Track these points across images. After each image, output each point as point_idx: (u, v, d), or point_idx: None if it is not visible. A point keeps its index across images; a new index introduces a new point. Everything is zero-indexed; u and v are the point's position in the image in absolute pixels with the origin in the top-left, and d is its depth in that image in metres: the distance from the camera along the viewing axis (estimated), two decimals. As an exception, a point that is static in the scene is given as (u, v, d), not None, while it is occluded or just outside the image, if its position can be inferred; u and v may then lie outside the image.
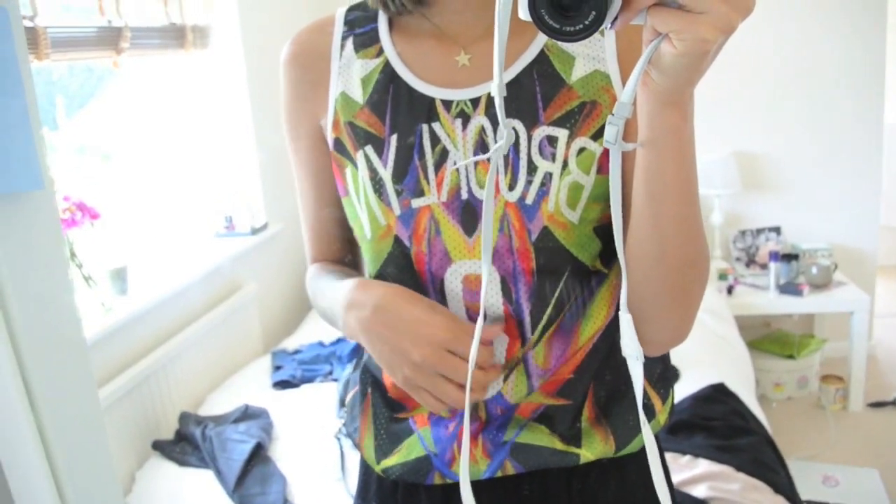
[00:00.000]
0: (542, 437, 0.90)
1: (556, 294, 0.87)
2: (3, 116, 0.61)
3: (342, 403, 2.36)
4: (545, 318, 0.88)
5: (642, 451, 0.94)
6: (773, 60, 3.58)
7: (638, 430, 0.92)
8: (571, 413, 0.91)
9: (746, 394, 2.51)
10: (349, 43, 0.93)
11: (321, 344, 2.94)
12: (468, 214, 0.86)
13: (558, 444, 0.90)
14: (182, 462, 2.20)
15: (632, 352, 0.76)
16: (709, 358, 2.69)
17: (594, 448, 0.91)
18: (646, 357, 0.93)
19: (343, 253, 1.05)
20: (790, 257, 3.48)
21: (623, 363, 0.92)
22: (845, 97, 3.62)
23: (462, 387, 0.81)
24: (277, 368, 2.78)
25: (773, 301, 3.40)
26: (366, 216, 0.89)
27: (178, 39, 2.80)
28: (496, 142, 0.84)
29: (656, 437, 0.95)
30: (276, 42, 3.35)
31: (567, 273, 0.87)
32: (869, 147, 3.66)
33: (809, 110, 3.65)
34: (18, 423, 0.67)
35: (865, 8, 3.52)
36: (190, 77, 2.97)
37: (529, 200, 0.84)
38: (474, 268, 0.87)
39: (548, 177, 0.83)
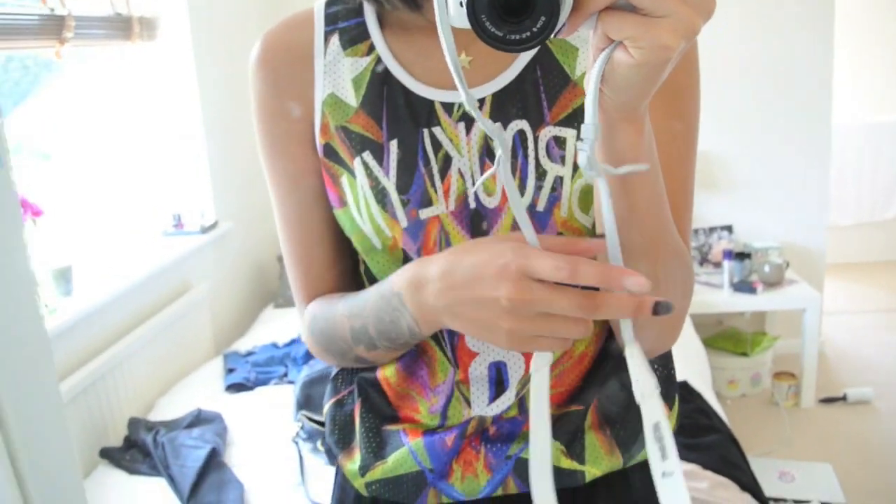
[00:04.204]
0: None
1: None
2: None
3: (299, 406, 2.29)
4: None
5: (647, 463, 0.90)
6: (727, 61, 3.60)
7: (644, 441, 0.88)
8: (577, 420, 0.86)
9: (705, 391, 2.52)
10: (335, 39, 0.84)
11: (275, 345, 2.86)
12: (477, 224, 0.80)
13: (564, 462, 0.85)
14: (132, 470, 2.10)
15: (646, 389, 0.66)
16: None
17: (600, 463, 0.86)
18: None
19: (342, 288, 0.92)
20: (743, 256, 3.51)
21: (625, 370, 0.88)
22: (795, 99, 3.66)
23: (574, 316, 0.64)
24: (230, 371, 2.69)
25: (727, 299, 3.42)
26: (370, 228, 0.81)
27: (124, 31, 2.69)
28: (501, 146, 0.79)
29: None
30: (226, 35, 3.28)
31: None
32: (818, 148, 3.71)
33: (760, 111, 3.68)
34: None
35: (814, 9, 3.56)
36: (136, 70, 2.86)
37: (541, 207, 0.78)
38: None
39: (558, 181, 0.77)
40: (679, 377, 2.46)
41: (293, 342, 2.83)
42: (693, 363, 2.78)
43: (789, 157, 3.73)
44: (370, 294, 0.80)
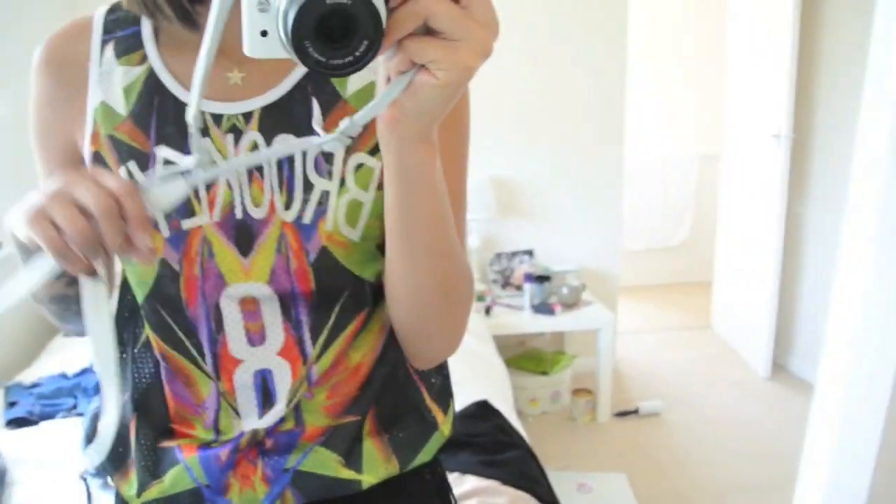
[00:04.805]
0: (325, 464, 0.86)
1: (337, 310, 0.84)
2: None
3: (88, 440, 2.15)
4: (326, 332, 0.84)
5: (424, 467, 0.93)
6: (527, 95, 3.79)
7: (420, 446, 0.91)
8: (354, 430, 0.87)
9: (507, 410, 2.59)
10: (109, 48, 0.83)
11: (64, 376, 2.67)
12: (243, 235, 0.80)
13: (342, 472, 0.87)
14: None
15: None
16: (471, 376, 2.76)
17: (377, 471, 0.88)
18: (424, 371, 0.93)
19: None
20: (543, 279, 3.67)
21: (404, 380, 0.91)
22: (592, 133, 3.90)
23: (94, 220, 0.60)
24: (12, 405, 2.48)
25: (527, 320, 3.56)
26: None
27: None
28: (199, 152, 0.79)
29: (439, 449, 0.95)
30: (20, 42, 3.04)
31: (348, 291, 0.84)
32: (612, 179, 3.97)
33: (561, 143, 3.89)
34: None
35: (608, 50, 3.81)
36: None
37: (307, 220, 0.80)
38: (252, 290, 0.81)
39: (325, 195, 0.80)
40: (480, 396, 2.53)
41: (84, 371, 2.66)
42: (495, 383, 2.86)
43: (586, 186, 3.96)
44: None
